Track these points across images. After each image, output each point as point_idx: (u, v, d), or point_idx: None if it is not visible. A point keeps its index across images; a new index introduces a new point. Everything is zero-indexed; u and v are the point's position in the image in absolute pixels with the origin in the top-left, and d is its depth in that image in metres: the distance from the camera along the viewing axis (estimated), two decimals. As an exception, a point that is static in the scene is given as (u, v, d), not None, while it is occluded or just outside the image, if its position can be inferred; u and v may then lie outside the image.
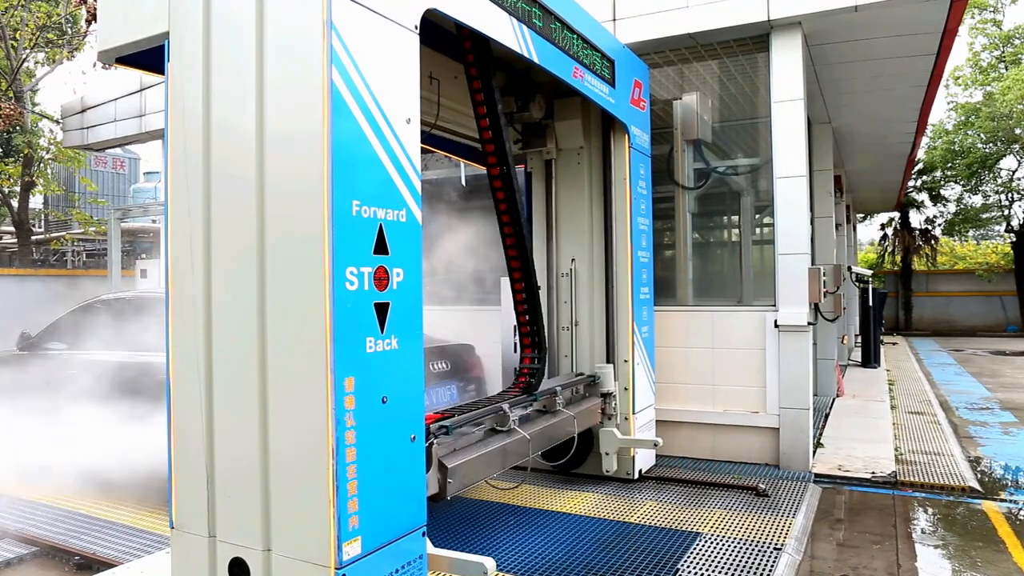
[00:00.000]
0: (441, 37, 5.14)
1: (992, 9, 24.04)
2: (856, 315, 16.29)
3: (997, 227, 27.38)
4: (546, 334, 5.27)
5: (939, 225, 27.09)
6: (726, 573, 4.19)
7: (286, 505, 2.88)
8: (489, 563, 3.24)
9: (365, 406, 2.91)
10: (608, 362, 6.08)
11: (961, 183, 25.66)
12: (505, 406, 4.54)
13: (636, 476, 6.09)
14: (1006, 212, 25.42)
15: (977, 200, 26.34)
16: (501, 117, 4.66)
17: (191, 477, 3.14)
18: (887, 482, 6.12)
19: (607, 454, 5.94)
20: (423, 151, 4.52)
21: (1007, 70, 22.27)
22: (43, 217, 23.83)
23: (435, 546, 3.34)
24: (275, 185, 2.92)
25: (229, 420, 3.03)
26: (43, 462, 5.79)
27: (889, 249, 27.12)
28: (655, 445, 5.91)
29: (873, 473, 6.27)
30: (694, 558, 4.41)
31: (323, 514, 2.76)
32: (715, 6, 6.61)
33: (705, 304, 7.23)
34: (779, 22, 6.48)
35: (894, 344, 19.82)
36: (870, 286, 14.30)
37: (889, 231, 27.23)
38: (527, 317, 5.02)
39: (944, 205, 27.12)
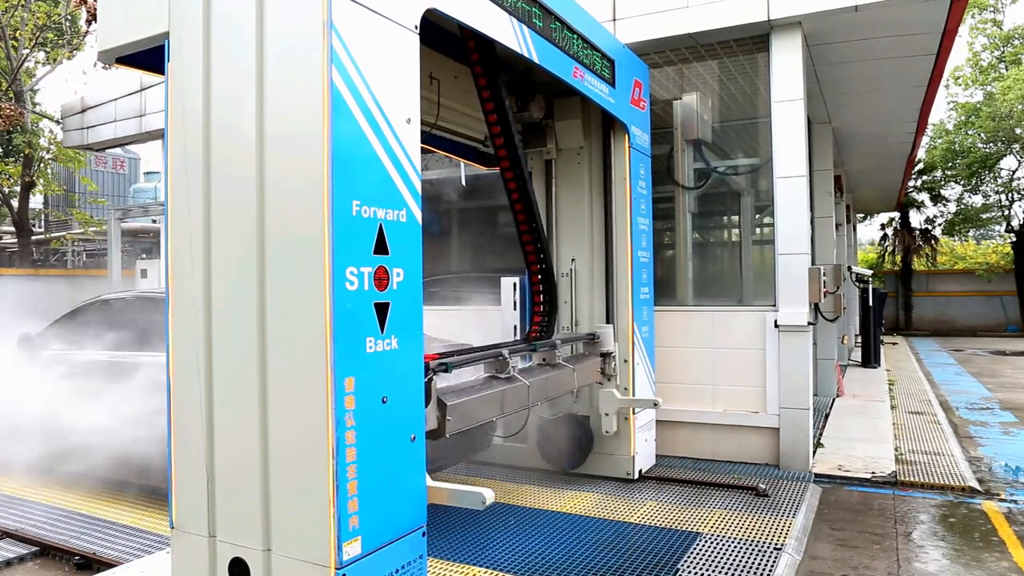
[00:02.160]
0: (441, 37, 5.14)
1: (992, 9, 24.03)
2: (856, 315, 16.29)
3: (997, 227, 27.36)
4: (557, 302, 5.55)
5: (939, 225, 27.08)
6: (726, 573, 4.19)
7: (286, 505, 2.88)
8: (488, 493, 3.25)
9: (365, 406, 2.91)
10: (608, 322, 6.14)
11: (961, 183, 25.65)
12: (505, 352, 4.60)
13: (636, 476, 6.09)
14: (1006, 212, 25.41)
15: (977, 200, 26.33)
16: (509, 112, 4.83)
17: (191, 477, 3.15)
18: (887, 482, 6.12)
19: (607, 415, 5.95)
20: (423, 151, 4.53)
21: (1007, 70, 22.26)
22: (43, 217, 23.83)
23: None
24: (275, 185, 2.93)
25: (229, 420, 3.03)
26: None
27: (889, 249, 27.11)
28: (655, 405, 5.93)
29: (873, 473, 6.27)
30: (694, 558, 4.41)
31: (323, 514, 2.76)
32: (715, 6, 6.61)
33: (705, 304, 7.23)
34: (779, 22, 6.48)
35: (894, 344, 19.81)
36: (870, 286, 14.29)
37: (889, 231, 27.23)
38: (540, 286, 5.35)
39: (944, 205, 27.11)
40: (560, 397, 5.36)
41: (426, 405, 3.46)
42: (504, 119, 4.82)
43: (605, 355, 5.92)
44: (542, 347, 5.19)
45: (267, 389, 2.92)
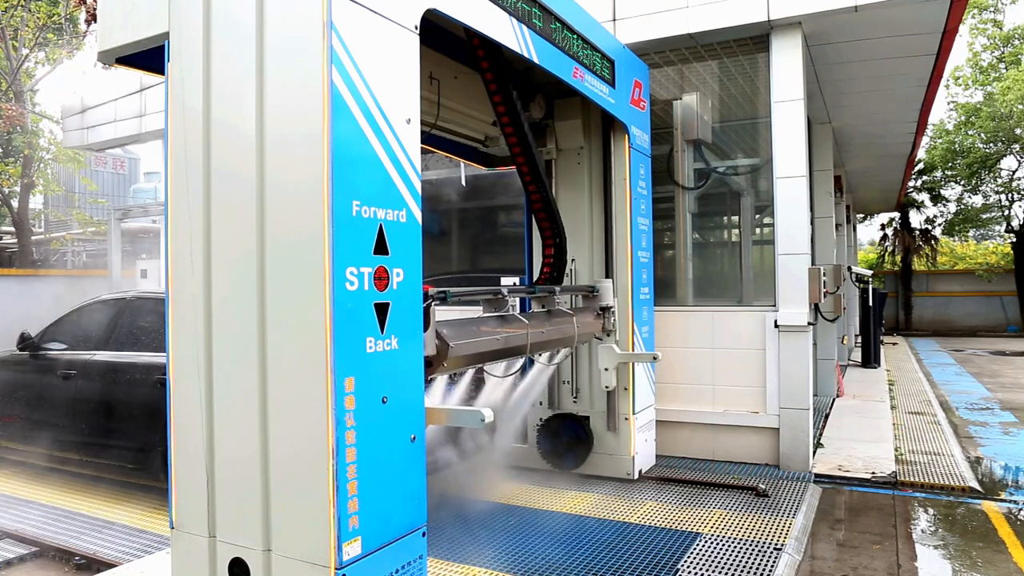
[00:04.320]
0: (441, 37, 5.14)
1: (992, 9, 24.01)
2: (856, 315, 16.28)
3: (997, 227, 27.37)
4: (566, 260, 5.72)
5: (939, 225, 27.08)
6: (726, 573, 4.19)
7: (286, 505, 2.89)
8: (487, 412, 3.25)
9: (365, 406, 2.91)
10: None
11: (961, 183, 25.65)
12: (504, 291, 4.63)
13: (636, 476, 6.09)
14: (1006, 212, 25.41)
15: (977, 200, 26.34)
16: (517, 103, 4.99)
17: (191, 477, 3.15)
18: (887, 482, 6.12)
19: (606, 370, 5.95)
20: (423, 151, 4.54)
21: (1007, 70, 22.25)
22: (43, 217, 23.82)
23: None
24: (275, 185, 2.93)
25: (229, 420, 3.03)
26: None
27: (889, 249, 27.11)
28: (655, 359, 5.94)
29: (873, 473, 6.27)
30: (694, 558, 4.41)
31: (323, 514, 2.76)
32: (715, 6, 6.61)
33: (705, 304, 7.23)
34: (779, 22, 6.48)
35: (894, 344, 19.81)
36: (870, 286, 14.29)
37: (889, 231, 27.22)
38: (552, 248, 5.58)
39: (944, 205, 27.12)
40: (560, 346, 5.35)
41: (424, 331, 3.45)
42: (509, 100, 4.95)
43: (604, 309, 5.92)
44: (541, 291, 5.21)
45: (267, 389, 2.92)
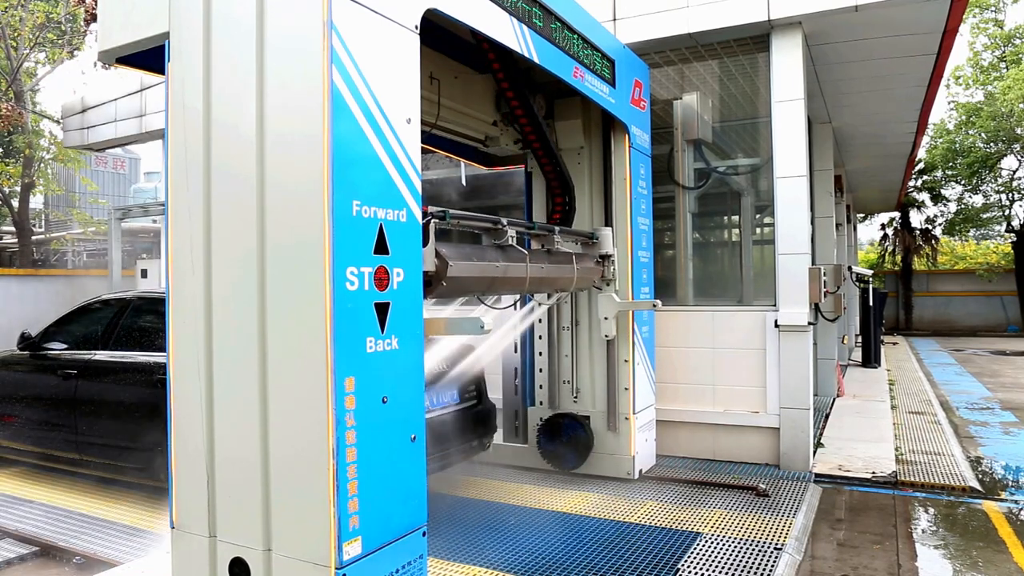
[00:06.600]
0: (441, 37, 5.15)
1: (993, 8, 24.02)
2: (856, 315, 16.27)
3: (998, 227, 27.35)
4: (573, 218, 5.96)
5: (939, 225, 27.08)
6: (726, 573, 4.19)
7: (286, 505, 2.89)
8: (486, 319, 3.27)
9: (365, 406, 2.91)
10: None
11: (962, 183, 25.64)
12: (504, 220, 4.60)
13: (636, 476, 6.09)
14: (1007, 212, 25.41)
15: (978, 200, 26.34)
16: (525, 90, 5.20)
17: (191, 477, 3.15)
18: (887, 482, 6.12)
19: (606, 319, 5.97)
20: (423, 151, 4.54)
21: (1008, 69, 22.24)
22: (43, 217, 23.82)
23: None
24: (275, 185, 2.93)
25: (229, 420, 3.03)
26: None
27: (889, 249, 27.09)
28: (654, 307, 5.95)
29: (873, 473, 6.27)
30: (694, 558, 4.41)
31: (323, 514, 2.76)
32: (715, 6, 6.61)
33: (705, 304, 7.23)
34: (779, 22, 6.48)
35: (894, 344, 19.80)
36: (870, 286, 14.29)
37: (889, 231, 27.21)
38: (560, 205, 5.93)
39: (945, 205, 27.11)
40: (560, 286, 5.38)
41: (424, 245, 3.45)
42: (519, 88, 5.10)
43: (604, 258, 5.93)
44: (540, 228, 5.20)
45: (267, 389, 2.92)
